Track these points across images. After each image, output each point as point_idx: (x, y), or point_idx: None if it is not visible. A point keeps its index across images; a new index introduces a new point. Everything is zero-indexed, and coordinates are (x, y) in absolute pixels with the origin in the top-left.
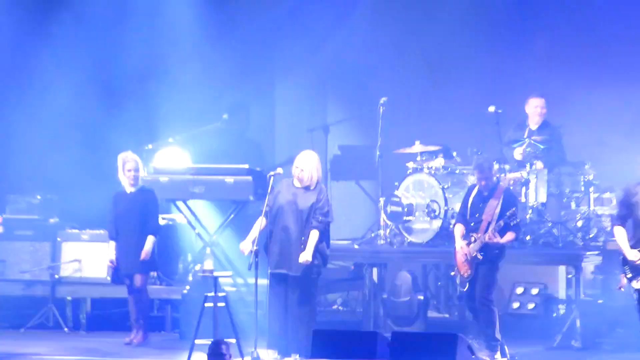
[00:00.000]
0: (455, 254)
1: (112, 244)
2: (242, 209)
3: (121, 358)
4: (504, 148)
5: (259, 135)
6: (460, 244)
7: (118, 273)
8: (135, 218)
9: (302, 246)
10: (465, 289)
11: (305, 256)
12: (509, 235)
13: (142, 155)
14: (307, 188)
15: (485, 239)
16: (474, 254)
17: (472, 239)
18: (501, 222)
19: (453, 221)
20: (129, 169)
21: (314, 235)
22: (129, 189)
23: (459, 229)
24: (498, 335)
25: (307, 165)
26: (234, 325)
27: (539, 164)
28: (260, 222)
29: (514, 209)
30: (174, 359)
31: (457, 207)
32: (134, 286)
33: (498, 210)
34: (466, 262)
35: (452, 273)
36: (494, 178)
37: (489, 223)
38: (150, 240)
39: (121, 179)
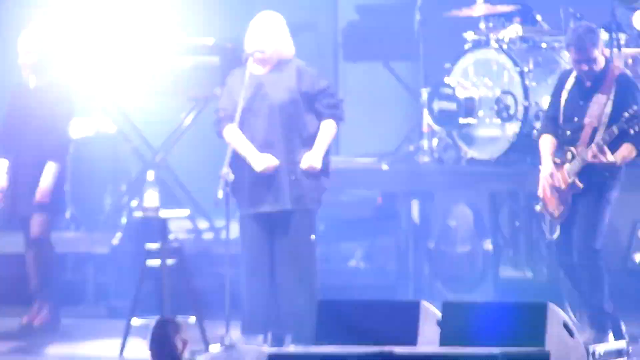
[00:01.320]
0: (540, 180)
1: (3, 163)
2: (204, 109)
3: (17, 353)
4: (618, 8)
5: None
6: (548, 164)
7: (10, 211)
8: (37, 128)
9: (292, 172)
10: (555, 236)
11: (312, 159)
12: (627, 150)
13: None
14: (276, 69)
15: (589, 157)
16: (571, 180)
17: (569, 156)
18: (614, 129)
19: (538, 125)
20: (26, 51)
21: (328, 128)
22: (32, 81)
23: (547, 141)
24: (609, 307)
25: (269, 41)
26: (192, 295)
27: None
28: (233, 129)
29: (635, 107)
30: (99, 347)
31: (544, 102)
32: (31, 235)
33: (609, 109)
34: (557, 194)
35: (537, 208)
36: (602, 58)
37: (595, 130)
38: (51, 169)
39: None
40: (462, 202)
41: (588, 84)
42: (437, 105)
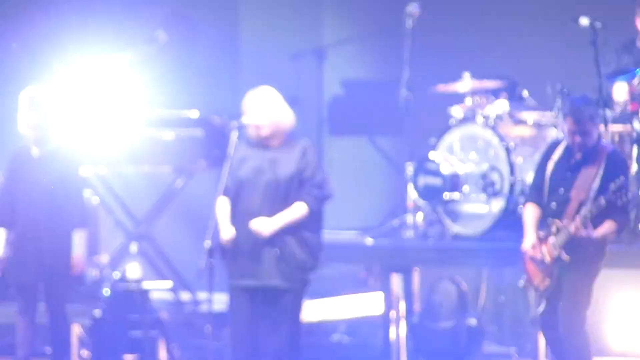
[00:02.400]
0: (524, 253)
1: (2, 233)
2: (188, 182)
3: None
4: (604, 83)
5: (214, 65)
6: (530, 236)
7: (5, 281)
8: (46, 197)
9: (279, 249)
10: (541, 310)
11: (263, 224)
12: (608, 227)
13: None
14: (277, 145)
15: (572, 230)
16: (556, 253)
17: (554, 230)
18: (602, 200)
19: (523, 200)
20: (30, 121)
21: (295, 208)
22: (34, 150)
23: (530, 212)
24: None
25: (266, 116)
26: None
27: None
28: (222, 203)
29: (622, 177)
30: None
31: (529, 178)
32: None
33: (597, 183)
34: (542, 267)
35: (521, 283)
36: (596, 133)
37: (582, 203)
38: (80, 238)
39: (22, 130)
40: (447, 277)
41: (578, 156)
42: (422, 180)
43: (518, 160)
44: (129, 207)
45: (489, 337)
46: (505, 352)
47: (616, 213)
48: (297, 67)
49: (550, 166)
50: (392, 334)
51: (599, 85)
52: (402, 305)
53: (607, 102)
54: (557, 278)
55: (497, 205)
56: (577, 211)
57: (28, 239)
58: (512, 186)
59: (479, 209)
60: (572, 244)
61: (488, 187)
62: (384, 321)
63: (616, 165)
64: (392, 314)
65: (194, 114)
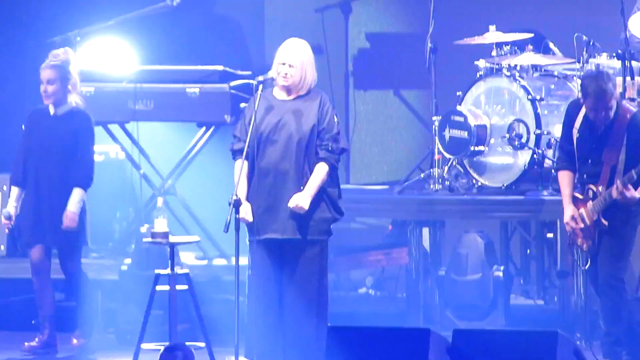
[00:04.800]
0: (565, 219)
1: (15, 191)
2: (213, 136)
3: None
4: (631, 36)
5: (239, 19)
6: (570, 207)
7: (20, 239)
8: (59, 156)
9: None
10: (587, 267)
11: (300, 199)
12: None
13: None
14: (300, 97)
15: (614, 194)
16: (595, 218)
17: (590, 194)
18: (633, 173)
19: (549, 153)
20: (45, 78)
21: (320, 171)
22: (52, 109)
23: (566, 180)
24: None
25: (298, 58)
26: (201, 321)
27: None
28: (242, 165)
29: None
30: None
31: (556, 131)
32: (66, 264)
33: (623, 156)
34: (583, 230)
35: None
36: (615, 103)
37: (614, 169)
38: (77, 196)
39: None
40: (473, 230)
41: (600, 127)
42: (449, 133)
43: (544, 112)
44: (155, 163)
45: (516, 290)
46: (531, 304)
47: None
48: (322, 20)
49: (575, 134)
50: (419, 287)
51: (624, 37)
52: (429, 259)
53: (633, 54)
54: (599, 238)
55: (523, 157)
56: (611, 176)
57: (39, 196)
58: (538, 138)
59: (505, 161)
60: (610, 209)
61: (514, 140)
62: (411, 274)
63: (639, 134)
64: (419, 267)
65: (219, 68)
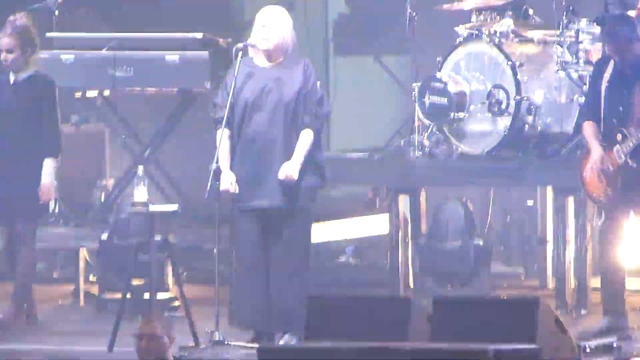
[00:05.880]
0: (589, 165)
1: None
2: (193, 103)
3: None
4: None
5: None
6: (597, 149)
7: None
8: (21, 124)
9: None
10: (600, 222)
11: (290, 169)
12: None
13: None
14: (281, 63)
15: None
16: (622, 161)
17: (619, 137)
18: None
19: (529, 119)
20: (4, 47)
21: (305, 138)
22: (12, 77)
23: (590, 127)
24: None
25: (277, 22)
26: (181, 291)
27: None
28: (222, 134)
29: None
30: (88, 342)
31: (536, 97)
32: (16, 234)
33: None
34: (605, 177)
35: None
36: (638, 46)
37: None
38: (49, 166)
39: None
40: (453, 197)
41: (628, 71)
42: (428, 99)
43: (524, 78)
44: (135, 131)
45: (496, 257)
46: (512, 272)
47: None
48: None
49: (604, 85)
50: (399, 255)
51: (605, 3)
52: (409, 226)
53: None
54: (623, 187)
55: (503, 123)
56: None
57: (8, 167)
58: (518, 104)
59: (486, 128)
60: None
61: (494, 106)
62: (391, 242)
63: None
64: (399, 234)
65: (198, 35)
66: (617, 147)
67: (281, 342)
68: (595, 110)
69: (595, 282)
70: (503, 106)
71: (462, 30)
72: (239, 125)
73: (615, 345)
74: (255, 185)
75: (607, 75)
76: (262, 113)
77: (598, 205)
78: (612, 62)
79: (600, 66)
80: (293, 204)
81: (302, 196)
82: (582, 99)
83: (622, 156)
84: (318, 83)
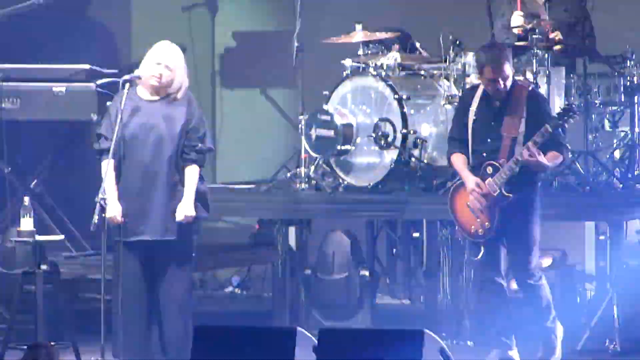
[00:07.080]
0: (455, 197)
1: None
2: (80, 134)
3: None
4: (498, 32)
5: (105, 18)
6: (470, 177)
7: None
8: None
9: (173, 195)
10: (479, 257)
11: (186, 209)
12: (553, 155)
13: None
14: (166, 98)
15: (525, 156)
16: (496, 193)
17: (489, 171)
18: (548, 127)
19: (416, 152)
20: None
21: (192, 175)
22: None
23: (460, 159)
24: (552, 325)
25: (175, 61)
26: (67, 320)
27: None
28: (108, 165)
29: (566, 103)
30: None
31: (422, 130)
32: None
33: (523, 128)
34: (481, 211)
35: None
36: (511, 69)
37: (514, 141)
38: None
39: None
40: (339, 229)
41: (497, 103)
42: (315, 132)
43: (410, 111)
44: (21, 163)
45: (382, 289)
46: (398, 304)
47: (555, 145)
48: (189, 18)
49: (472, 117)
50: (286, 287)
51: (491, 35)
52: (296, 258)
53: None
54: (501, 219)
55: (390, 156)
56: (511, 149)
57: None
58: (404, 137)
59: (372, 160)
60: (513, 181)
61: (381, 139)
62: (277, 274)
63: (539, 106)
64: (286, 266)
65: (85, 67)
66: (489, 180)
67: None
68: (462, 145)
69: None
70: (390, 139)
71: (348, 63)
72: (123, 157)
73: None
74: (138, 217)
75: (474, 107)
76: (146, 147)
77: (476, 240)
78: (477, 94)
79: (465, 97)
80: (177, 236)
81: (186, 228)
82: None
83: (497, 188)
84: (203, 117)
